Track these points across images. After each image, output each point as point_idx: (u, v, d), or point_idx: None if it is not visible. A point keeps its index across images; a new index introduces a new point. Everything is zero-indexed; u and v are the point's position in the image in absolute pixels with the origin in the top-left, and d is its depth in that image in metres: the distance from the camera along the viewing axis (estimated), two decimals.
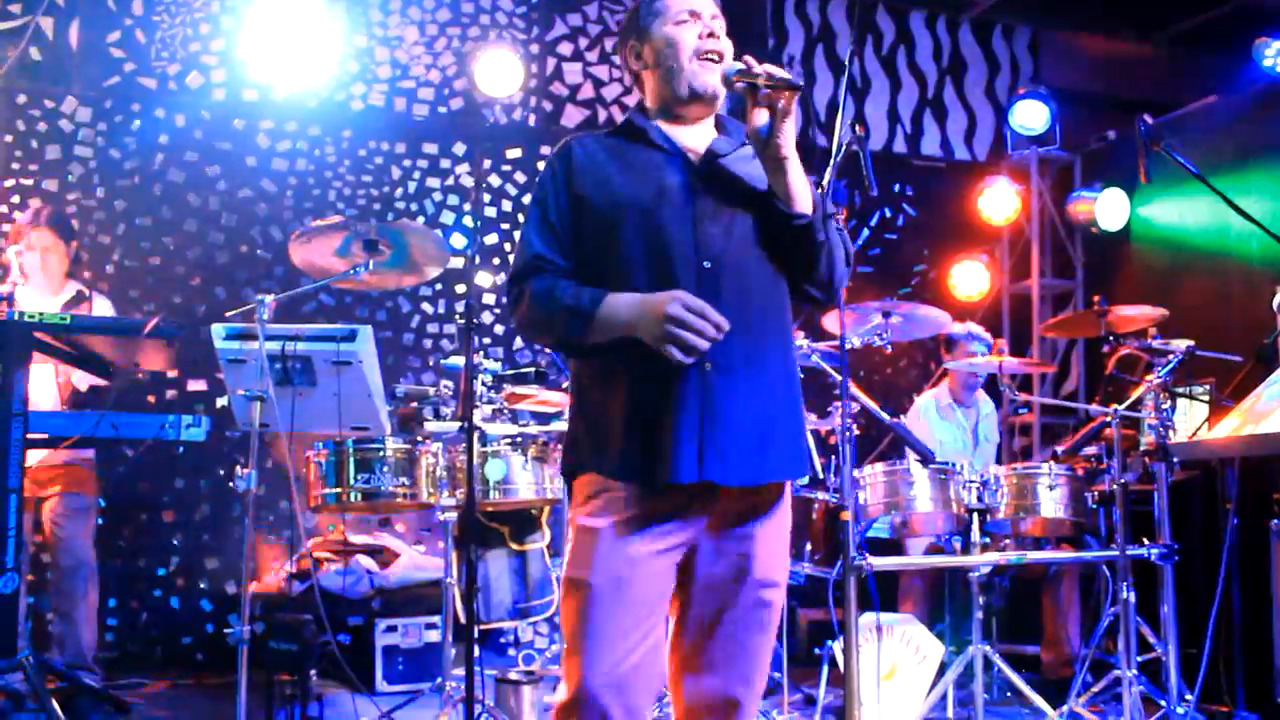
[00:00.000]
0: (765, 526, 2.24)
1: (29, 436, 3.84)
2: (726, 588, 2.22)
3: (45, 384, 4.49)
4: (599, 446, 2.22)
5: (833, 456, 4.43)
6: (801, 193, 2.21)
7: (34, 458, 4.08)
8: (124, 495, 5.62)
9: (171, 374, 5.72)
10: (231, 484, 3.52)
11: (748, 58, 2.23)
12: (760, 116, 2.18)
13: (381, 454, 3.85)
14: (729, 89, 2.24)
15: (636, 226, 2.20)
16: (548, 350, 4.86)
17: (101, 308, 4.73)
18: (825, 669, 4.20)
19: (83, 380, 4.54)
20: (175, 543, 5.74)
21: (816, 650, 4.30)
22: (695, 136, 2.32)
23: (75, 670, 4.39)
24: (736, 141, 2.35)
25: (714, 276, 2.18)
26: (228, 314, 3.77)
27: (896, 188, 7.34)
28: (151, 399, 5.75)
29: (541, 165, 6.38)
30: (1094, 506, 4.41)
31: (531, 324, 2.27)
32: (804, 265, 2.25)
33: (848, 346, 3.50)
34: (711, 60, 2.28)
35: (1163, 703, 3.99)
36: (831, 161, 3.45)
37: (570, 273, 2.25)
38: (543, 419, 4.53)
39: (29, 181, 5.66)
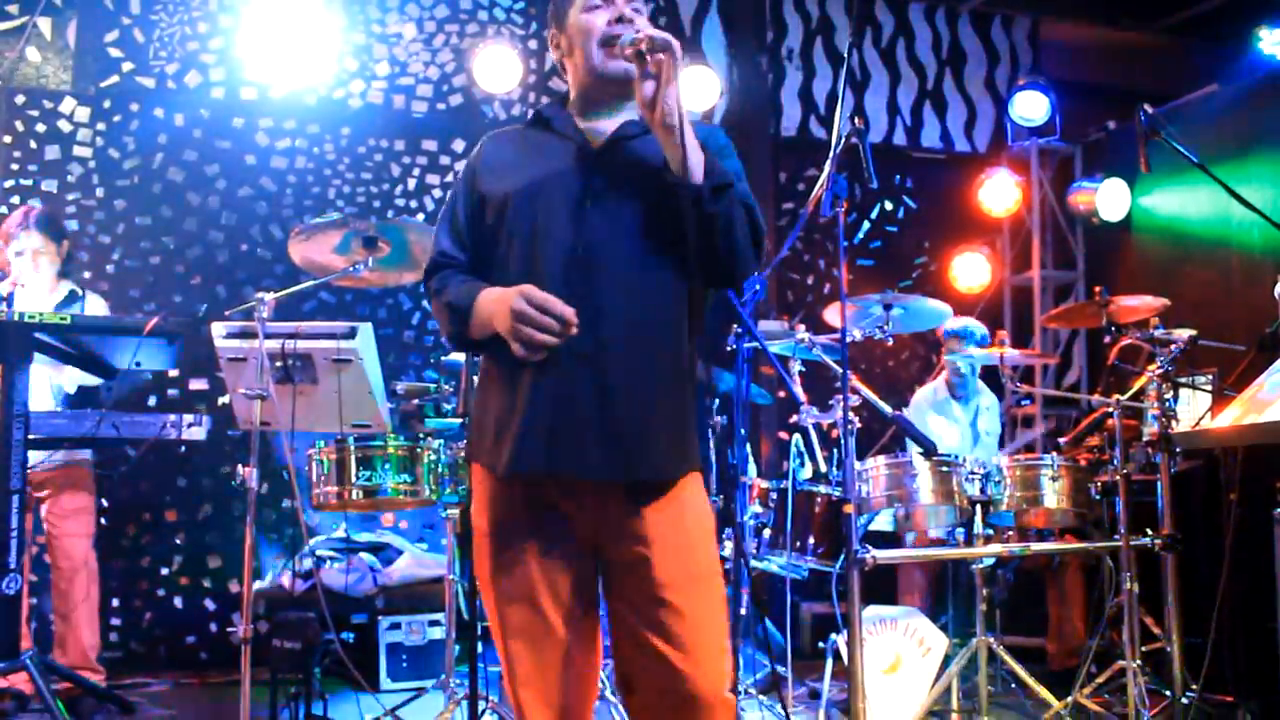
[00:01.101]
0: (659, 524, 2.13)
1: (30, 437, 3.84)
2: (636, 590, 2.13)
3: (41, 385, 4.48)
4: (478, 436, 2.24)
5: (835, 450, 4.42)
6: (692, 162, 2.10)
7: (32, 459, 4.08)
8: (126, 495, 5.63)
9: (172, 373, 5.72)
10: (234, 482, 3.51)
11: (641, 29, 2.16)
12: (646, 83, 2.10)
13: (383, 451, 3.84)
14: (626, 61, 2.16)
15: (519, 214, 2.18)
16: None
17: (95, 306, 4.72)
18: (829, 662, 4.20)
19: (71, 381, 4.53)
20: (178, 542, 5.74)
21: (820, 644, 4.30)
22: (609, 123, 2.27)
23: (78, 670, 4.39)
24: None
25: (585, 264, 2.12)
26: (228, 312, 3.77)
27: (897, 180, 7.33)
28: (152, 398, 5.75)
29: None
30: (1097, 497, 4.40)
31: (438, 321, 2.31)
32: (699, 240, 2.12)
33: (848, 339, 3.49)
34: (617, 46, 2.19)
35: (1167, 693, 3.99)
36: (831, 154, 3.45)
37: (469, 267, 2.27)
38: None
39: (28, 182, 5.67)
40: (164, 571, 5.71)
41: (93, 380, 4.46)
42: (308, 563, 5.23)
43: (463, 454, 3.90)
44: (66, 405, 4.55)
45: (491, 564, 2.18)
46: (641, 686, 2.16)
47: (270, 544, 5.83)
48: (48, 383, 4.52)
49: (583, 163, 2.20)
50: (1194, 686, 3.98)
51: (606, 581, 2.21)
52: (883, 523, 4.67)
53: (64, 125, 5.76)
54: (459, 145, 6.37)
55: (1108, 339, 4.68)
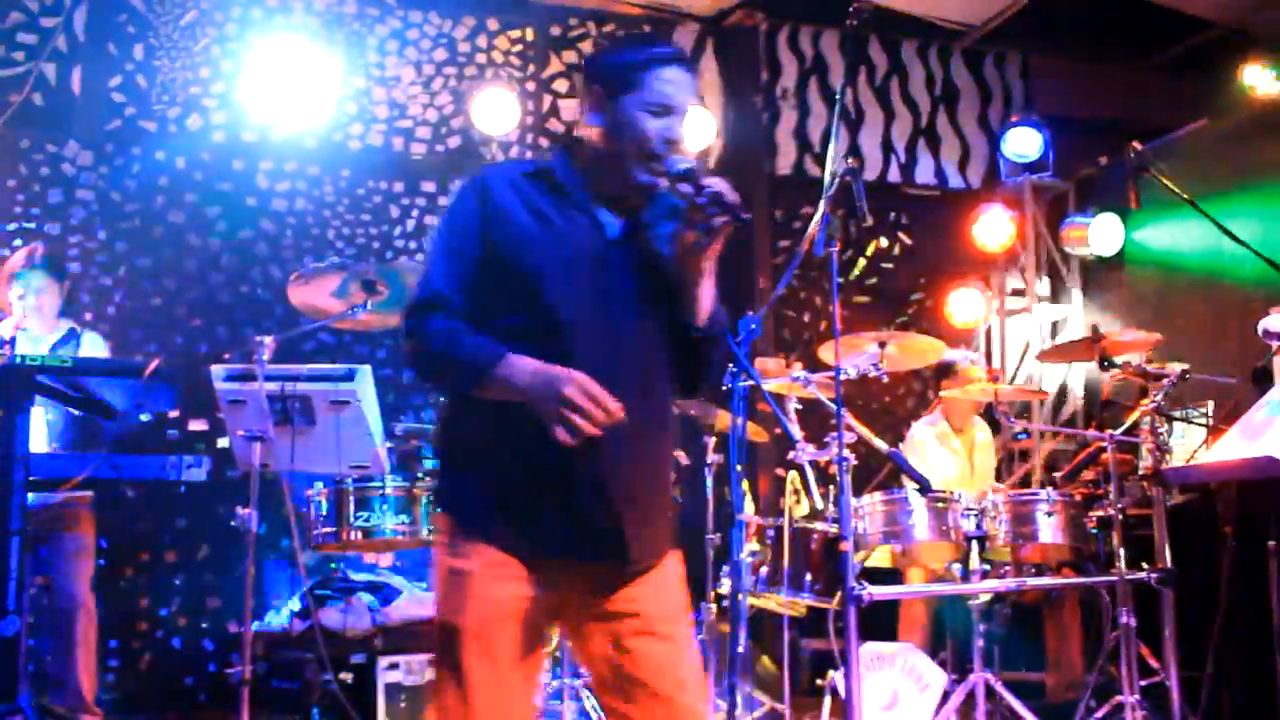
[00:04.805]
0: (647, 589, 2.21)
1: (30, 479, 3.86)
2: (628, 632, 2.19)
3: (36, 421, 4.47)
4: (465, 498, 2.20)
5: (831, 486, 4.44)
6: (705, 307, 2.18)
7: (32, 498, 4.08)
8: (125, 536, 5.64)
9: (173, 414, 5.74)
10: (233, 523, 3.54)
11: (698, 163, 2.14)
12: (692, 232, 2.10)
13: (381, 492, 3.87)
14: (669, 186, 2.14)
15: (543, 289, 2.14)
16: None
17: (93, 343, 4.74)
18: (828, 699, 4.19)
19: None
20: (177, 583, 5.75)
21: (819, 681, 4.30)
22: (621, 205, 2.25)
23: (76, 713, 4.38)
24: (663, 211, 2.24)
25: (612, 353, 2.14)
26: (227, 355, 3.80)
27: (892, 217, 7.38)
28: (153, 439, 5.77)
29: None
30: (1093, 531, 4.41)
31: (424, 365, 2.21)
32: (683, 370, 2.23)
33: (843, 377, 3.52)
34: (658, 164, 2.15)
35: None
36: (824, 194, 3.50)
37: (469, 314, 2.18)
38: None
39: (31, 225, 5.72)
40: (163, 612, 5.71)
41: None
42: (307, 603, 5.23)
43: None
44: (65, 443, 4.56)
45: (469, 611, 2.14)
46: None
47: (269, 584, 5.82)
48: (43, 419, 4.52)
49: (602, 249, 2.19)
50: None
51: (590, 628, 2.22)
52: (880, 558, 4.68)
53: (67, 168, 5.82)
54: (457, 187, 6.41)
55: (1101, 374, 4.71)
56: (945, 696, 4.34)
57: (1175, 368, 4.34)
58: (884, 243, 7.35)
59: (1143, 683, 4.05)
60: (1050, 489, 4.44)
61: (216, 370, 3.77)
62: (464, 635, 2.12)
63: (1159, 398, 4.21)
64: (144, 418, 5.49)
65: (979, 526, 4.29)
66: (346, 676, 4.92)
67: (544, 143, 6.59)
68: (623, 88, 2.17)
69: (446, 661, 2.15)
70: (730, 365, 2.34)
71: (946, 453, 5.45)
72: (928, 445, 5.43)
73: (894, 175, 7.33)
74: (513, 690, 2.15)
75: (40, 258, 4.64)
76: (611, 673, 2.21)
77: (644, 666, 2.18)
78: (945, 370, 5.45)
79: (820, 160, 7.06)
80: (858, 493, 4.37)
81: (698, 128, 6.44)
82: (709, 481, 4.94)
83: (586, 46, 6.70)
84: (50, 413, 4.52)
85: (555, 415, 2.00)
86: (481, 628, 2.12)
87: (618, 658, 2.19)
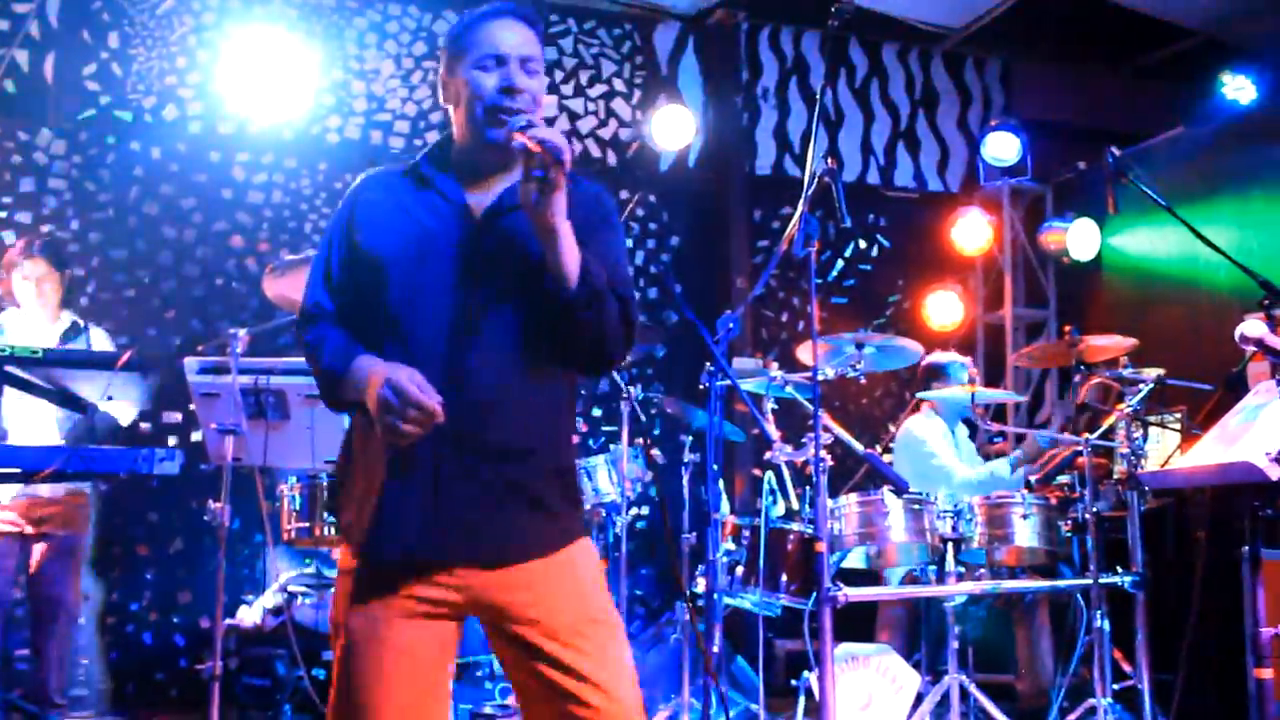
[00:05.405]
0: (550, 579, 2.13)
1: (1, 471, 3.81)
2: (536, 639, 2.10)
3: (45, 417, 4.41)
4: (342, 503, 2.18)
5: (808, 487, 4.43)
6: (568, 266, 2.05)
7: (29, 492, 4.04)
8: (97, 529, 5.55)
9: (145, 407, 5.69)
10: (205, 518, 3.50)
11: (532, 119, 2.06)
12: (530, 185, 2.01)
13: None
14: (510, 139, 2.06)
15: (397, 281, 2.11)
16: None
17: (98, 339, 4.70)
18: (802, 700, 4.19)
19: (125, 415, 4.50)
20: (148, 577, 5.70)
21: (793, 681, 4.29)
22: (492, 185, 2.19)
23: (43, 708, 4.32)
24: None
25: (469, 344, 2.08)
26: (200, 348, 3.77)
27: (870, 219, 7.40)
28: (125, 431, 5.70)
29: None
30: (1067, 535, 4.42)
31: (312, 375, 2.24)
32: (566, 340, 2.12)
33: (821, 378, 3.52)
34: (502, 118, 2.11)
35: None
36: (803, 194, 3.49)
37: (344, 320, 2.19)
38: None
39: (2, 214, 5.65)
40: (133, 607, 5.66)
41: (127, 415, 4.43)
42: (279, 598, 5.19)
43: None
44: (72, 436, 4.48)
45: (355, 614, 2.10)
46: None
47: (241, 580, 5.78)
48: (52, 414, 4.46)
49: (464, 233, 2.13)
50: None
51: (500, 636, 2.15)
52: (856, 560, 4.68)
53: (39, 157, 5.75)
54: None
55: (1077, 378, 4.73)
56: (920, 698, 4.35)
57: (1151, 373, 4.36)
58: (862, 244, 7.37)
59: (1115, 686, 4.07)
60: (1025, 492, 4.45)
61: (190, 363, 3.73)
62: (351, 637, 2.09)
63: (1134, 402, 4.23)
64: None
65: (955, 528, 4.30)
66: (319, 673, 4.88)
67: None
68: (457, 57, 2.18)
69: (336, 665, 2.11)
70: (629, 335, 2.17)
71: (959, 442, 5.41)
72: (940, 436, 5.34)
73: (873, 177, 7.35)
74: (401, 692, 2.08)
75: (40, 245, 4.60)
76: (529, 680, 2.13)
77: (558, 671, 2.09)
78: (935, 372, 5.42)
79: (800, 160, 7.07)
80: (834, 494, 4.37)
81: (678, 126, 6.42)
82: (685, 481, 4.93)
83: (567, 43, 6.68)
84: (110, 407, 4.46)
85: (375, 418, 1.98)
86: (367, 630, 2.08)
87: (531, 665, 2.11)
